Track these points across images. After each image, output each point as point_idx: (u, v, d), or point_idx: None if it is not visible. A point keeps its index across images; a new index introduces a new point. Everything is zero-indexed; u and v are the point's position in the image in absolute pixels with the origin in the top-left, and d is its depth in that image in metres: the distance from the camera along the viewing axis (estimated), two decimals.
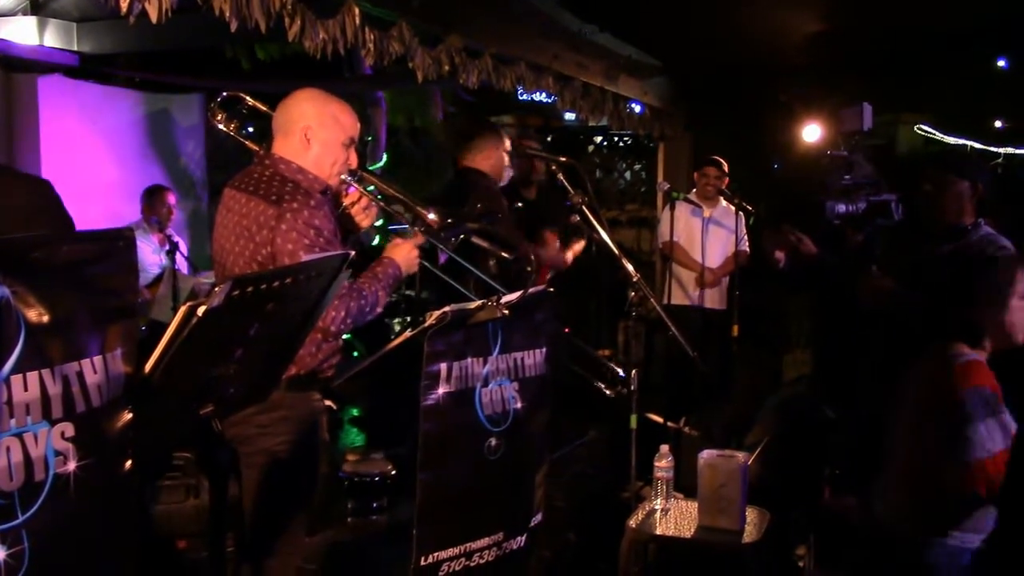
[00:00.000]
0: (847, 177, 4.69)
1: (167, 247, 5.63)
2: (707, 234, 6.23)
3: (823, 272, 4.27)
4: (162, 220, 5.98)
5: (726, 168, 6.26)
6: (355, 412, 6.28)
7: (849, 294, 4.31)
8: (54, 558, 1.51)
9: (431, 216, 2.93)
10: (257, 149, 3.00)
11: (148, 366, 1.73)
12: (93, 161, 6.54)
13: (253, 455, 2.84)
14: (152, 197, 6.07)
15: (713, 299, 6.33)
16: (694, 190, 6.34)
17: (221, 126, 3.13)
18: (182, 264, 5.75)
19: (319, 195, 2.85)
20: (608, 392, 3.92)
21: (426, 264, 3.35)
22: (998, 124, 9.02)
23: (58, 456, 1.50)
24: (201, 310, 1.71)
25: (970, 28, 7.11)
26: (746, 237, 6.13)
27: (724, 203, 6.25)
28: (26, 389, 1.44)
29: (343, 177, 2.94)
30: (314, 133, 2.87)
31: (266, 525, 2.88)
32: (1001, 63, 8.39)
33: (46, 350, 1.48)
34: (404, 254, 2.99)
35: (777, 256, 4.55)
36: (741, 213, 5.92)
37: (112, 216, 6.35)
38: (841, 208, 4.45)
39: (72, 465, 1.52)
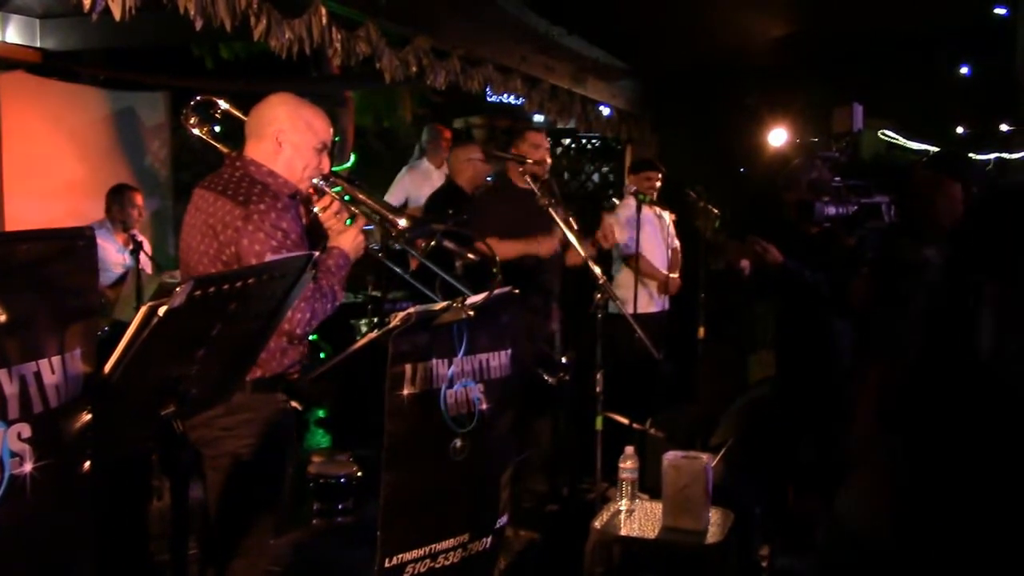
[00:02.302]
0: (837, 179, 4.71)
1: (131, 247, 5.56)
2: (672, 238, 6.30)
3: (788, 280, 4.30)
4: (129, 221, 5.90)
5: (662, 168, 6.32)
6: (321, 413, 6.25)
7: (812, 302, 4.34)
8: (10, 559, 1.49)
9: (400, 220, 2.93)
10: (227, 152, 2.99)
11: (108, 366, 1.71)
12: (56, 159, 6.45)
13: (218, 458, 2.82)
14: (120, 196, 5.98)
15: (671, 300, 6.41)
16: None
17: (195, 130, 3.12)
18: (146, 264, 5.69)
19: (287, 198, 2.84)
20: (549, 380, 3.93)
21: (392, 267, 3.34)
22: (960, 130, 9.15)
23: (14, 457, 1.48)
24: (162, 310, 1.70)
25: (934, 35, 7.22)
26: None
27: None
28: None
29: (314, 182, 2.94)
30: (286, 137, 2.87)
31: (231, 527, 2.86)
32: (964, 70, 8.52)
33: (3, 350, 1.47)
34: (349, 240, 2.97)
35: (742, 265, 4.58)
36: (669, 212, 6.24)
37: (76, 215, 6.27)
38: (831, 210, 4.46)
39: (29, 466, 1.50)
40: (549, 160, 5.00)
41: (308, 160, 2.90)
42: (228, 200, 2.75)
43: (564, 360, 3.77)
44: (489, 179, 5.91)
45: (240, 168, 2.86)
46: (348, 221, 3.07)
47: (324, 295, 2.82)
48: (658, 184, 6.22)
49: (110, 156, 6.92)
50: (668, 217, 6.39)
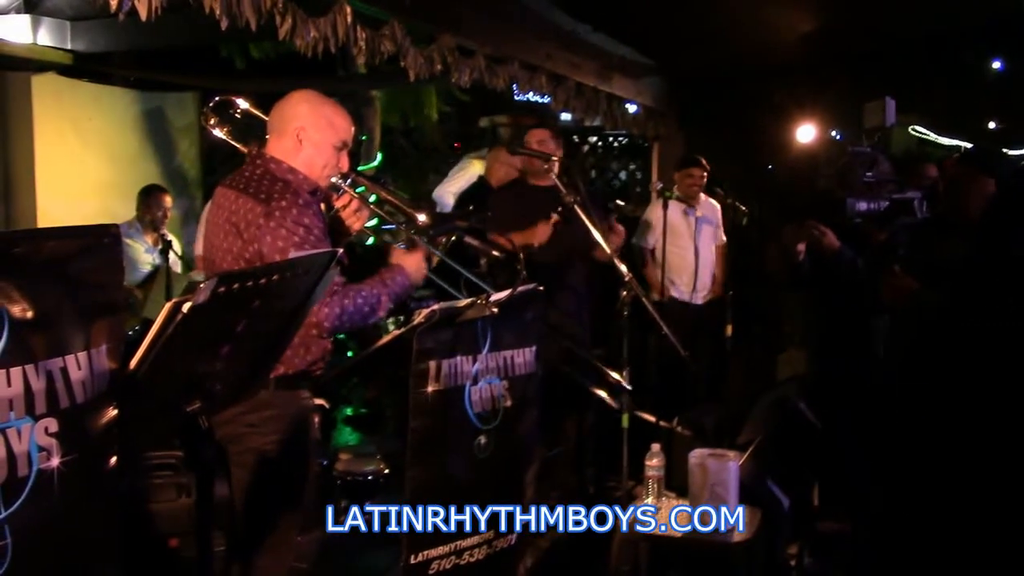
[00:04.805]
0: (869, 174, 4.66)
1: (160, 246, 5.62)
2: (700, 233, 6.27)
3: (841, 267, 4.26)
4: (157, 222, 5.97)
5: (707, 165, 6.33)
6: (348, 411, 6.28)
7: (860, 293, 4.30)
8: (38, 554, 1.51)
9: (421, 217, 2.94)
10: (248, 150, 3.00)
11: (134, 362, 1.73)
12: (87, 159, 6.52)
13: (243, 454, 2.83)
14: (149, 197, 6.06)
15: (704, 296, 6.37)
16: (674, 187, 6.33)
17: (215, 131, 3.14)
18: (175, 263, 5.74)
19: (308, 194, 2.85)
20: (613, 404, 3.92)
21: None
22: (992, 125, 9.03)
23: (42, 452, 1.50)
24: (186, 307, 1.71)
25: (965, 29, 7.12)
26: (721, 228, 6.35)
27: (703, 197, 6.33)
28: (9, 384, 1.45)
29: (333, 180, 2.94)
30: (307, 135, 2.88)
31: (257, 524, 2.88)
32: (996, 65, 8.41)
33: (30, 345, 1.48)
34: (413, 263, 2.99)
35: (798, 249, 4.55)
36: (718, 204, 6.08)
37: (107, 214, 6.33)
38: (863, 206, 4.42)
39: (56, 461, 1.52)
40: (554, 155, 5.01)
41: (328, 158, 2.91)
42: (250, 198, 2.77)
43: (630, 387, 3.78)
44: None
45: (261, 165, 2.88)
46: (376, 220, 3.08)
47: (361, 295, 2.81)
48: (702, 181, 6.24)
49: (140, 156, 6.99)
50: (716, 210, 6.35)
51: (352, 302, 2.79)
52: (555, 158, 4.38)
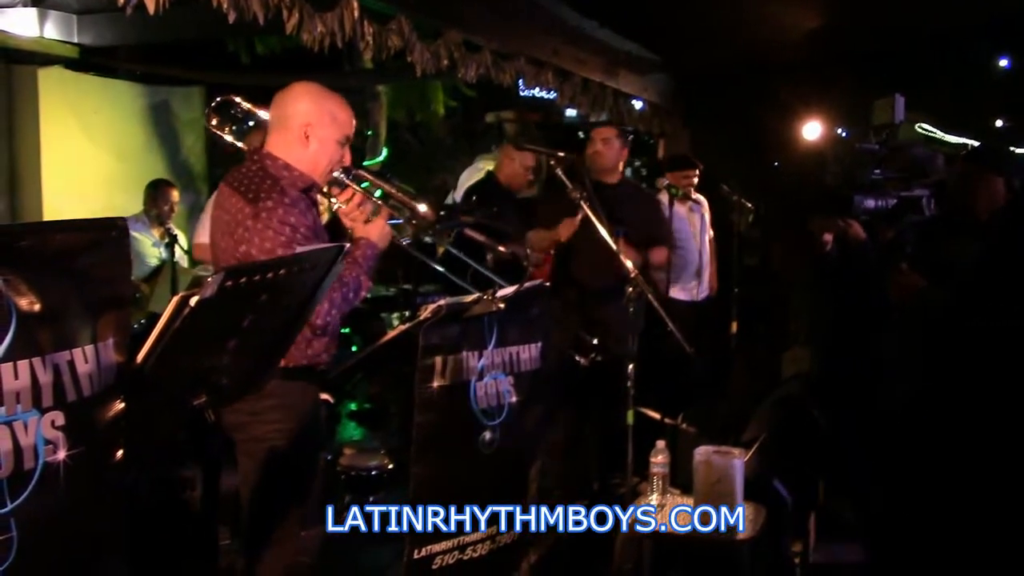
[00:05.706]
0: (877, 171, 4.65)
1: (166, 240, 5.62)
2: (703, 231, 6.26)
3: (867, 258, 4.25)
4: (163, 216, 5.97)
5: (698, 163, 6.34)
6: (353, 406, 6.28)
7: (871, 291, 4.30)
8: (43, 547, 1.51)
9: (425, 211, 2.93)
10: (248, 149, 3.00)
11: (140, 356, 1.73)
12: (94, 153, 6.52)
13: (247, 443, 2.82)
14: (156, 191, 6.06)
15: (706, 293, 6.38)
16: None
17: (217, 131, 3.14)
18: (181, 257, 5.75)
19: (296, 192, 2.82)
20: (581, 361, 3.91)
21: (423, 258, 3.35)
22: (999, 123, 9.02)
23: (48, 444, 1.50)
24: (193, 300, 1.71)
25: (972, 27, 7.11)
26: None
27: (694, 194, 6.36)
28: (16, 377, 1.45)
29: (336, 175, 2.93)
30: (314, 131, 2.85)
31: (261, 516, 2.88)
32: (1003, 62, 8.40)
33: (37, 338, 1.48)
34: (377, 230, 2.95)
35: (825, 239, 4.53)
36: (704, 199, 6.25)
37: (113, 208, 6.32)
38: (870, 203, 4.41)
39: (62, 454, 1.52)
40: (605, 151, 4.98)
41: (332, 154, 2.89)
42: (240, 197, 2.75)
43: (595, 341, 3.75)
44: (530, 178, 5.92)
45: (257, 162, 2.85)
46: (373, 213, 3.07)
47: (346, 285, 2.80)
48: (695, 181, 6.23)
49: (146, 150, 6.99)
50: (704, 207, 6.38)
51: (340, 295, 2.78)
52: (563, 154, 4.37)
